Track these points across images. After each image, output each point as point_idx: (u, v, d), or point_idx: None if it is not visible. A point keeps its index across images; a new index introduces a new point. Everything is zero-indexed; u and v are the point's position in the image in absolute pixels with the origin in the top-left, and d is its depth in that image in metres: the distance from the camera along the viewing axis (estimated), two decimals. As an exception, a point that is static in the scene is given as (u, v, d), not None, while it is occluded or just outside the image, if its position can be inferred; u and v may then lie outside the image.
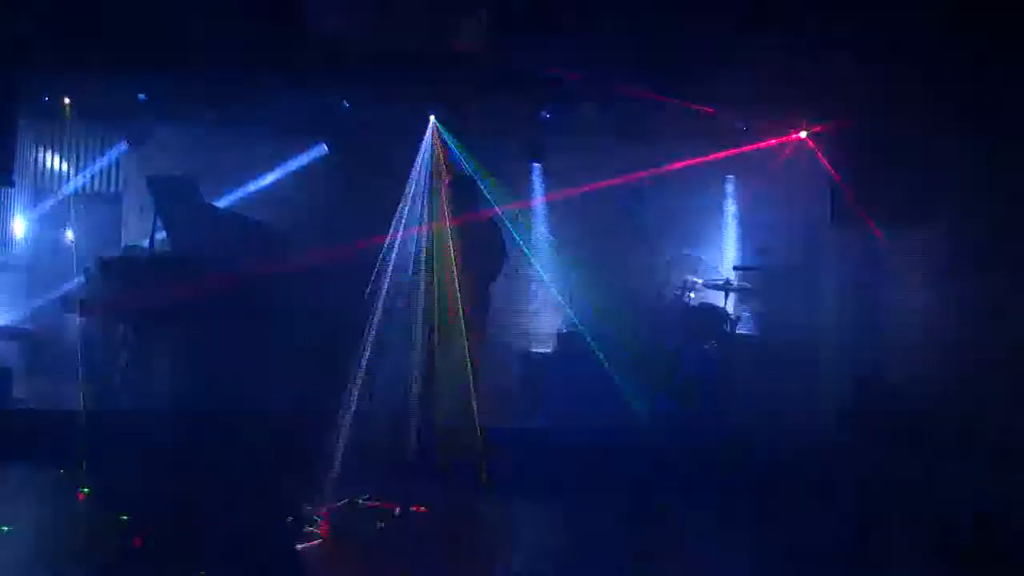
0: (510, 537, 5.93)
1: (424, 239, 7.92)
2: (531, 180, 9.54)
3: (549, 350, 9.05)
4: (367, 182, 9.25)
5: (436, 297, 7.69)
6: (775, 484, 6.50)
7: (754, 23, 7.38)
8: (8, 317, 8.96)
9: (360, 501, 5.85)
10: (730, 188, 9.55)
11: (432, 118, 8.55)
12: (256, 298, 7.88)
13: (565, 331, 8.91)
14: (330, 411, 6.97)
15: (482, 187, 8.13)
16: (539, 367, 8.82)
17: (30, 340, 8.94)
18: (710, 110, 7.88)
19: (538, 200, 9.40)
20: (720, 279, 8.93)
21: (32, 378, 8.53)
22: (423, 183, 8.85)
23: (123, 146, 9.33)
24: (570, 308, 8.85)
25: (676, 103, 7.75)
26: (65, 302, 8.35)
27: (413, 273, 7.59)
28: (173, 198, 8.29)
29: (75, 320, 7.91)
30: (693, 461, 6.85)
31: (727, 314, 8.71)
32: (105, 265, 7.88)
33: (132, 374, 7.75)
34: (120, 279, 7.79)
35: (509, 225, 8.38)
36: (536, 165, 9.57)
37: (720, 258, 9.45)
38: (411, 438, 7.16)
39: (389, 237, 7.71)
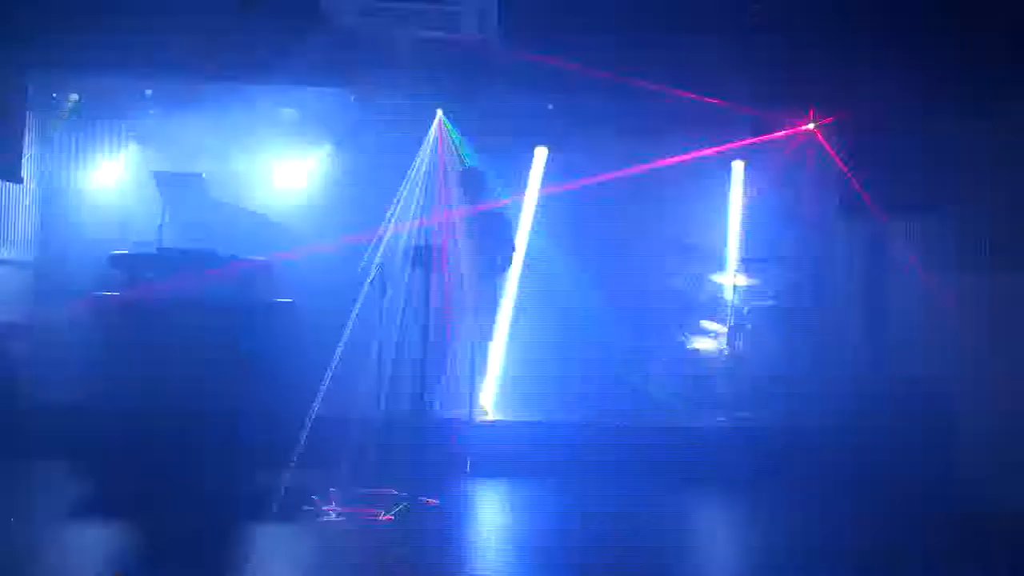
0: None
1: (431, 232, 7.95)
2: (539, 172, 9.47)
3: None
4: (373, 177, 9.28)
5: (443, 291, 7.73)
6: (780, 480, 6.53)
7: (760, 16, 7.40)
8: (17, 314, 8.94)
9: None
10: (738, 178, 9.52)
11: (439, 112, 8.56)
12: (259, 292, 7.90)
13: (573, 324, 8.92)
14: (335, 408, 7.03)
15: (490, 180, 8.16)
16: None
17: (39, 337, 8.92)
18: (718, 102, 7.86)
19: (545, 192, 9.35)
20: (727, 272, 8.94)
21: (41, 376, 8.50)
22: (429, 176, 8.87)
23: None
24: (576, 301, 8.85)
25: (683, 95, 7.74)
26: (76, 299, 8.33)
27: (416, 267, 7.60)
28: (180, 193, 8.30)
29: (86, 316, 7.89)
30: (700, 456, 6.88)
31: (735, 307, 8.71)
32: (114, 261, 7.88)
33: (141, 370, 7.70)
34: (129, 275, 7.78)
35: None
36: (542, 157, 9.52)
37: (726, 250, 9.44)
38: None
39: (393, 230, 7.70)
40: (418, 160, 8.84)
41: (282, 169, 9.55)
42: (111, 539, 5.14)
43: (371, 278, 7.34)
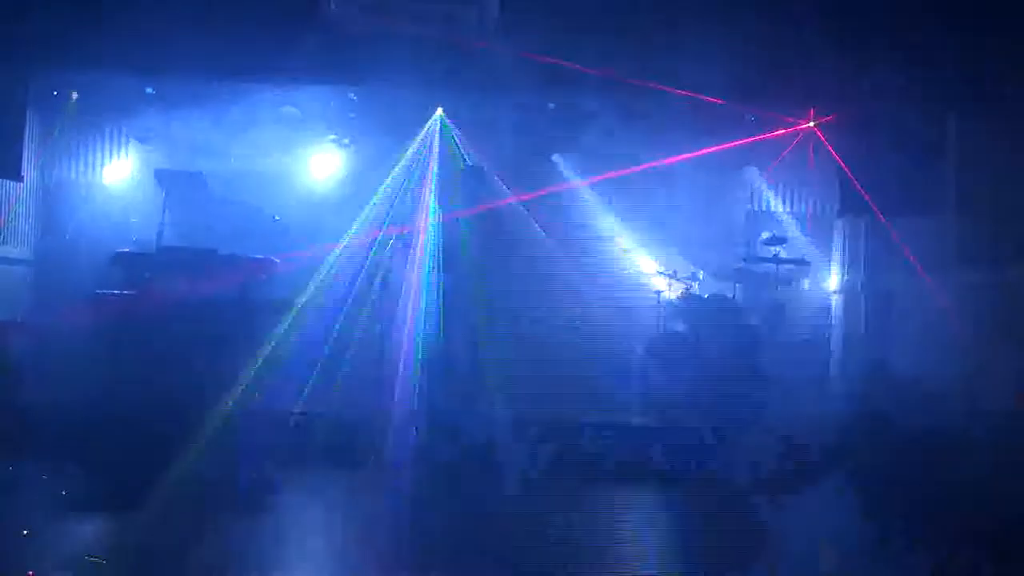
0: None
1: (431, 230, 7.95)
2: (540, 171, 9.43)
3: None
4: (374, 175, 9.31)
5: (445, 290, 7.74)
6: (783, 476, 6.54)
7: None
8: (16, 312, 8.93)
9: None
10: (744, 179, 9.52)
11: (439, 110, 8.57)
12: (262, 291, 7.90)
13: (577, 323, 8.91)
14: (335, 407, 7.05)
15: (489, 178, 8.16)
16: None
17: (38, 334, 8.90)
18: (719, 100, 7.87)
19: (547, 191, 9.34)
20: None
21: (40, 374, 8.48)
22: (429, 175, 8.90)
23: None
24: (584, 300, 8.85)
25: (685, 94, 7.75)
26: (76, 296, 8.32)
27: (416, 264, 7.60)
28: (182, 191, 8.30)
29: (87, 314, 7.87)
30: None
31: (737, 306, 8.71)
32: (115, 259, 7.86)
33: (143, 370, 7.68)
34: (130, 273, 7.77)
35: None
36: (548, 157, 9.49)
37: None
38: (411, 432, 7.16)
39: (394, 229, 7.70)
40: (419, 158, 8.88)
41: (282, 167, 9.54)
42: (113, 537, 5.12)
43: (375, 276, 7.35)
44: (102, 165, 9.46)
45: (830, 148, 8.22)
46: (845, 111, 7.99)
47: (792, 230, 8.94)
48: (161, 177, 8.42)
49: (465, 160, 8.53)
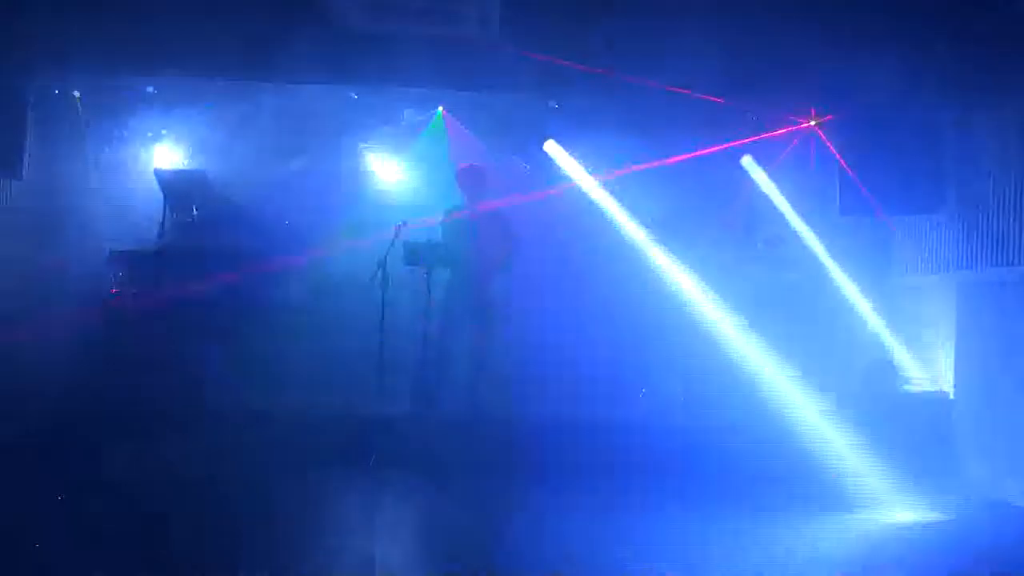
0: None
1: (433, 230, 7.96)
2: (539, 170, 9.37)
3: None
4: (375, 174, 9.32)
5: (446, 288, 7.75)
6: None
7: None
8: (15, 311, 8.92)
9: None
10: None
11: (440, 108, 8.56)
12: (266, 291, 7.93)
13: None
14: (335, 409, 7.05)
15: (490, 178, 8.15)
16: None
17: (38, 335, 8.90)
18: (719, 99, 7.84)
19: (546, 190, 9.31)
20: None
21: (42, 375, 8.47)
22: (431, 174, 8.90)
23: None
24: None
25: (684, 92, 7.73)
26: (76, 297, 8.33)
27: (420, 265, 7.60)
28: (183, 191, 8.32)
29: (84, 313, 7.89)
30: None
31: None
32: (115, 258, 7.89)
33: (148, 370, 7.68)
34: (130, 272, 7.80)
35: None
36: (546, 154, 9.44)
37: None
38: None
39: (396, 229, 7.70)
40: (419, 157, 8.89)
41: (283, 167, 9.55)
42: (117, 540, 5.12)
43: (374, 277, 7.34)
44: (103, 164, 9.46)
45: (831, 147, 8.19)
46: (845, 109, 7.98)
47: (794, 228, 8.89)
48: (161, 177, 8.44)
49: (465, 158, 8.53)
